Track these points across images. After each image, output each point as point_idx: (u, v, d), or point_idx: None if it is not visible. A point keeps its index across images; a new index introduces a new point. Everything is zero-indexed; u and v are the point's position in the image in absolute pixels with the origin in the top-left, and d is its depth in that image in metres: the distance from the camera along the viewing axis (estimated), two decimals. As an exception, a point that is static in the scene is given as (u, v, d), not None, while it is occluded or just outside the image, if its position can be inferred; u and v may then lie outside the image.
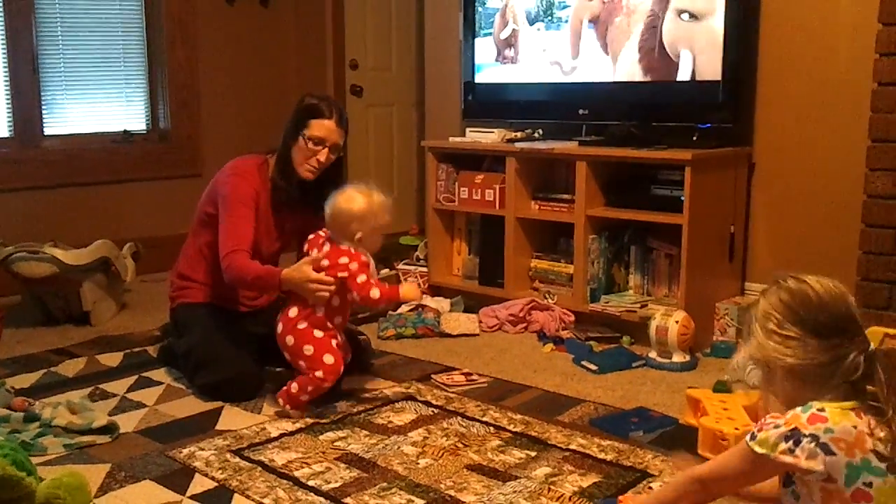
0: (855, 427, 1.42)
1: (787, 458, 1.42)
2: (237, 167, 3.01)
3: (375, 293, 2.61)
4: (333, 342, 2.68)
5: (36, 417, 2.58)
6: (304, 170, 2.94)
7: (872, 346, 1.48)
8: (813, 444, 1.40)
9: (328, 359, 2.64)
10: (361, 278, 2.62)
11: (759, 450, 1.45)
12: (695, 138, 3.42)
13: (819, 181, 3.38)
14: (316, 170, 2.95)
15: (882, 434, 1.42)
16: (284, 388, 2.69)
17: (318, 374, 2.63)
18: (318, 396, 2.68)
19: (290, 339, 2.67)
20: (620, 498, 2.04)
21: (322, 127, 2.92)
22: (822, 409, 1.43)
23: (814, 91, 3.36)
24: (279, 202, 3.02)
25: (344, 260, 2.64)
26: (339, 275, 2.62)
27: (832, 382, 1.46)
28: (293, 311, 2.67)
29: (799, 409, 1.45)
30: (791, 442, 1.42)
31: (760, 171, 3.54)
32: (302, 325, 2.66)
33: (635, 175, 3.55)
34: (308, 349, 2.65)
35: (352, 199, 2.69)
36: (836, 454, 1.40)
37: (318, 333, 2.66)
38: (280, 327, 2.69)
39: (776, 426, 1.45)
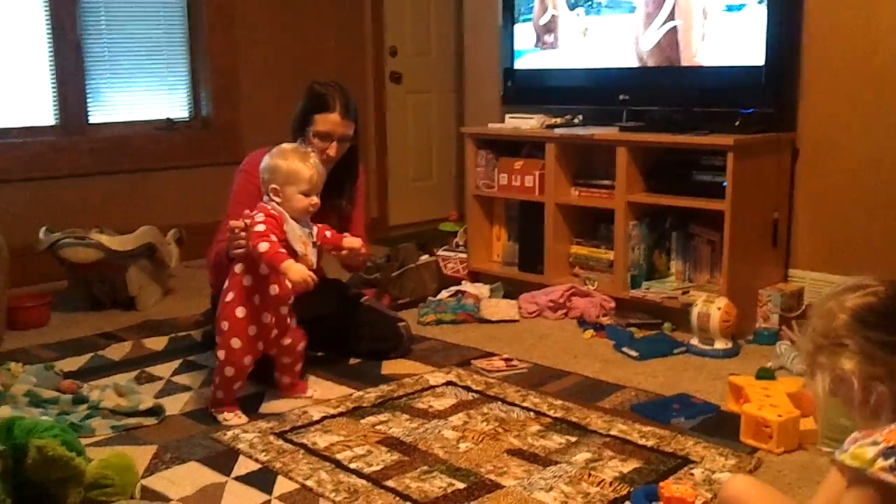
0: None
1: (888, 477, 1.33)
2: (250, 162, 3.01)
3: (262, 246, 2.40)
4: (252, 328, 2.51)
5: (84, 399, 2.63)
6: None
7: None
8: None
9: (235, 343, 2.50)
10: (259, 228, 2.44)
11: (851, 463, 1.37)
12: (737, 124, 3.38)
13: (864, 167, 3.33)
14: (327, 164, 2.94)
15: None
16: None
17: (220, 354, 2.53)
18: (230, 389, 2.57)
19: (218, 309, 2.56)
20: (661, 484, 2.04)
21: (327, 122, 2.87)
22: None
23: (859, 75, 3.31)
24: None
25: (255, 213, 2.51)
26: (245, 222, 2.48)
27: None
28: (225, 283, 2.57)
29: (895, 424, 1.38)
30: (893, 459, 1.34)
31: (804, 157, 3.49)
32: (228, 297, 2.53)
33: (677, 161, 3.52)
34: (224, 325, 2.52)
35: (273, 152, 2.60)
36: None
37: (240, 312, 2.50)
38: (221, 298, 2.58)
39: (874, 442, 1.37)
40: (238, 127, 4.97)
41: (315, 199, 2.56)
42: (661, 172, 3.57)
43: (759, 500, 1.62)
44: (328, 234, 2.68)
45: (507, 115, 4.10)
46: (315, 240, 2.60)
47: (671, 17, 3.56)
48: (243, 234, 2.51)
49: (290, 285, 2.46)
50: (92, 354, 3.21)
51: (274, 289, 2.52)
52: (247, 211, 2.53)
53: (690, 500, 1.99)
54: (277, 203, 2.53)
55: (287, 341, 2.65)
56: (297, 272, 2.40)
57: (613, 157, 3.56)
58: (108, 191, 4.54)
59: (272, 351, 2.64)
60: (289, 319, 2.63)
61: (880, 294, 1.45)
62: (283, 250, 2.43)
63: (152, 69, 4.80)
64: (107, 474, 1.94)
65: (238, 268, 2.53)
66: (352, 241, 2.71)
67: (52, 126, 4.48)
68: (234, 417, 2.56)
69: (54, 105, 4.48)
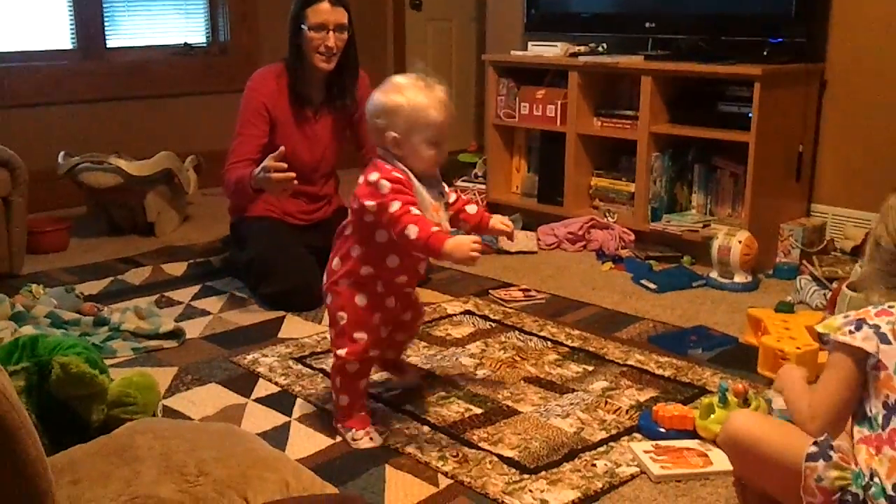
0: None
1: (845, 338, 1.46)
2: (254, 78, 3.06)
3: (412, 231, 1.85)
4: (376, 315, 2.01)
5: (105, 322, 2.66)
6: (318, 61, 2.94)
7: None
8: (872, 331, 1.45)
9: (359, 335, 2.00)
10: (394, 206, 1.88)
11: (821, 329, 1.51)
12: (765, 53, 3.30)
13: (893, 100, 3.26)
14: (329, 56, 2.94)
15: None
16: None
17: (341, 352, 2.01)
18: (357, 390, 2.05)
19: (328, 297, 2.05)
20: (655, 408, 2.07)
21: (318, 12, 2.90)
22: (892, 306, 1.47)
23: (891, 6, 3.21)
24: (302, 106, 3.04)
25: (371, 175, 1.94)
26: (361, 202, 1.94)
27: None
28: (336, 262, 2.04)
29: (871, 306, 1.50)
30: (853, 327, 1.47)
31: (832, 89, 3.42)
32: (342, 284, 2.01)
33: (702, 91, 3.45)
34: (341, 316, 2.01)
35: (385, 87, 2.00)
36: (892, 343, 1.44)
37: (361, 300, 1.99)
38: (325, 278, 2.08)
39: (845, 316, 1.50)
40: (256, 52, 4.90)
41: (445, 149, 2.01)
42: (686, 103, 3.51)
43: (767, 432, 1.60)
44: (470, 208, 2.14)
45: (530, 43, 4.03)
46: (447, 200, 2.06)
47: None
48: (275, 175, 2.52)
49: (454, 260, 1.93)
50: (112, 279, 3.23)
51: (402, 278, 2.04)
52: (370, 174, 1.94)
53: (689, 415, 2.03)
54: (398, 156, 1.96)
55: (407, 316, 2.17)
56: (463, 252, 1.86)
57: (637, 86, 3.50)
58: (126, 116, 4.52)
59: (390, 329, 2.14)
60: (413, 295, 2.18)
61: None
62: (436, 228, 1.88)
63: (169, -7, 4.74)
64: (129, 392, 1.96)
65: (356, 251, 2.00)
66: (500, 223, 2.15)
67: (70, 50, 4.44)
68: (364, 438, 2.02)
69: (71, 29, 4.43)
